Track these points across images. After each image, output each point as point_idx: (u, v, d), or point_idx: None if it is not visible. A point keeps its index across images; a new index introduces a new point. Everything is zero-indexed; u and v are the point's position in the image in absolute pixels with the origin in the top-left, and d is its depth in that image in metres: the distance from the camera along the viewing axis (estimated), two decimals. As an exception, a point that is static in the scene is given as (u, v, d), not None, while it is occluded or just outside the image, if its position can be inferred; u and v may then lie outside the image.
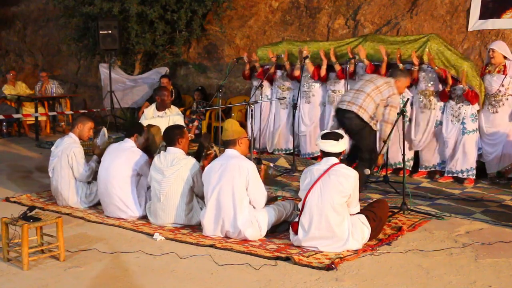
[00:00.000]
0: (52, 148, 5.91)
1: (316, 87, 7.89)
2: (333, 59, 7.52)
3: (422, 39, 6.95)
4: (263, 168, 5.15)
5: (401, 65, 6.82)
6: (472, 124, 6.62)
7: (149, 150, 5.71)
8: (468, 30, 8.05)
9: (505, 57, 6.46)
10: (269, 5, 10.39)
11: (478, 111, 6.70)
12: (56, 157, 5.76)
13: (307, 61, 7.64)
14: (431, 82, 6.82)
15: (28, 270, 4.06)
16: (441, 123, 6.84)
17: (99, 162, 5.62)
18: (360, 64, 7.31)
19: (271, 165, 5.66)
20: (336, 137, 4.45)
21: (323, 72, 7.65)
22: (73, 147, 5.71)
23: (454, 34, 8.17)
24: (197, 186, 5.01)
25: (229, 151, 4.79)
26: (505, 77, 6.40)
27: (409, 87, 7.04)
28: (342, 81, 7.47)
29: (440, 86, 6.79)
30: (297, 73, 7.91)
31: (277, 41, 9.58)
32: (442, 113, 6.82)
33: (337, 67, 7.48)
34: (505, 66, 6.43)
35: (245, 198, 4.62)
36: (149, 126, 6.01)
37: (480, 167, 6.83)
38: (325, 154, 4.48)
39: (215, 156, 5.44)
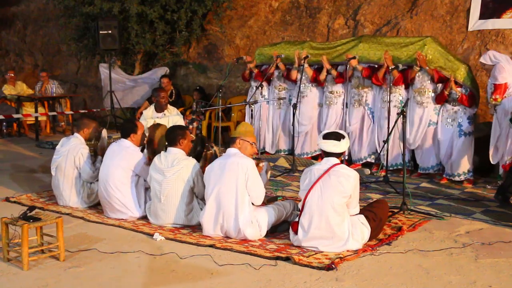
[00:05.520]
0: (57, 146, 5.90)
1: (312, 88, 7.90)
2: (327, 66, 7.53)
3: (419, 43, 6.96)
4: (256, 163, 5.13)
5: (392, 67, 6.79)
6: (468, 127, 6.61)
7: (152, 148, 5.69)
8: (468, 30, 8.06)
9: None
10: (269, 5, 10.39)
11: (475, 113, 6.71)
12: (61, 155, 5.76)
13: (306, 65, 7.65)
14: (427, 81, 6.83)
15: (28, 270, 4.06)
16: (434, 123, 6.84)
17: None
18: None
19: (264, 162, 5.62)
20: (338, 137, 4.43)
21: (322, 76, 7.66)
22: (80, 148, 5.72)
23: (454, 34, 8.17)
24: (198, 187, 5.01)
25: (229, 150, 4.80)
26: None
27: (406, 87, 7.06)
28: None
29: (438, 86, 6.79)
30: (294, 75, 7.91)
31: (277, 41, 9.59)
32: (437, 115, 6.82)
33: (334, 73, 7.50)
34: None
35: (246, 196, 4.62)
36: (157, 125, 5.97)
37: (483, 167, 6.81)
38: (326, 154, 4.47)
39: (215, 156, 5.44)
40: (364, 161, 7.51)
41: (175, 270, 4.07)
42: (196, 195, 5.08)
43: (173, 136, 5.13)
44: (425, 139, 6.93)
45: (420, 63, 6.68)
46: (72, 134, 6.11)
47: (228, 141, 4.87)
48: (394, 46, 7.11)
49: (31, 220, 4.21)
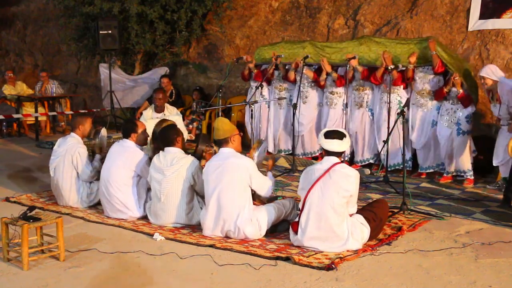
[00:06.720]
0: (54, 147, 5.91)
1: (313, 88, 7.90)
2: (328, 69, 7.52)
3: (422, 43, 6.95)
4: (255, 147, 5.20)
5: (392, 66, 6.76)
6: (467, 125, 6.60)
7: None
8: (468, 30, 8.05)
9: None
10: (269, 5, 10.39)
11: (474, 112, 6.70)
12: (59, 156, 5.76)
13: (305, 67, 7.62)
14: (428, 83, 6.82)
15: (28, 270, 4.06)
16: (437, 123, 6.84)
17: (102, 161, 5.63)
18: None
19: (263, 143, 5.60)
20: (341, 136, 4.42)
21: (322, 81, 7.66)
22: (77, 147, 5.72)
23: (454, 34, 8.16)
24: (198, 185, 5.01)
25: (224, 150, 4.79)
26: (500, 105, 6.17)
27: (405, 87, 7.05)
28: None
29: (439, 81, 6.78)
30: (291, 75, 7.91)
31: (277, 41, 9.59)
32: (438, 113, 6.82)
33: (335, 76, 7.49)
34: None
35: (246, 197, 4.62)
36: (163, 120, 5.97)
37: (483, 167, 6.81)
38: (327, 153, 4.45)
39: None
40: (366, 162, 7.50)
41: (175, 270, 4.07)
42: (197, 192, 5.09)
43: (168, 136, 5.15)
44: (428, 139, 6.93)
45: (429, 46, 6.62)
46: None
47: (219, 143, 4.85)
48: (394, 48, 7.09)
49: (31, 220, 4.21)
